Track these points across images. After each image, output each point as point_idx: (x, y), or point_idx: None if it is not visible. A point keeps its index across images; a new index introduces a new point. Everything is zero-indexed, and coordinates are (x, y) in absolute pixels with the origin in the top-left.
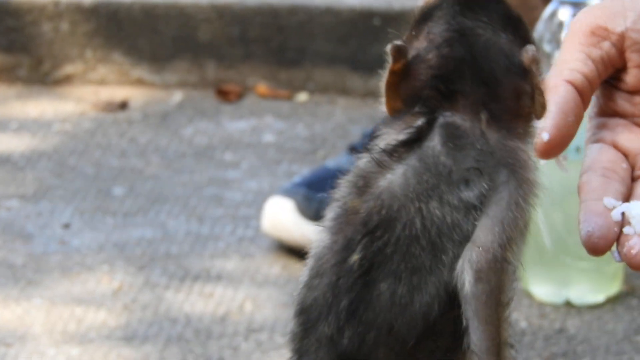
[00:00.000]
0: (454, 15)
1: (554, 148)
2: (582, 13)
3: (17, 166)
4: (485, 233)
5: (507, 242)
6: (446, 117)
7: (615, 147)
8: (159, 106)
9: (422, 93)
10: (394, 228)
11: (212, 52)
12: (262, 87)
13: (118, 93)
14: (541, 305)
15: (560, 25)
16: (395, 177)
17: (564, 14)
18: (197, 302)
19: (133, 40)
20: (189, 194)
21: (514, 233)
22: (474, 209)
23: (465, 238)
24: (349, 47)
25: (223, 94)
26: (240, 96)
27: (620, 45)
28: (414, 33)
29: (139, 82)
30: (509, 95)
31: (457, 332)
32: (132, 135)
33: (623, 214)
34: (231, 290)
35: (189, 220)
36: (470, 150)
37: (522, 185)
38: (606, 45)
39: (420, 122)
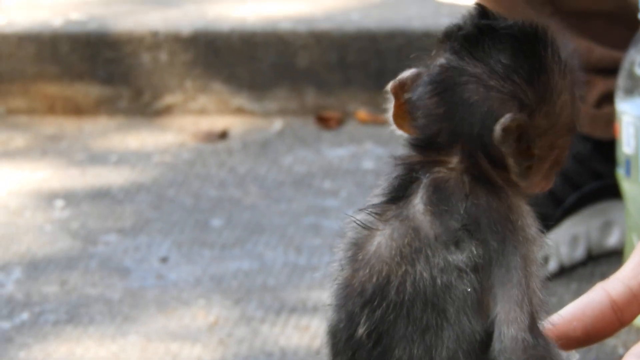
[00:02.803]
0: (452, 53)
1: (560, 336)
2: None
3: (116, 200)
4: (506, 321)
5: (531, 318)
6: (431, 176)
7: None
8: (259, 134)
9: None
10: (388, 294)
11: (311, 79)
12: (362, 112)
13: (218, 122)
14: (639, 330)
15: None
16: (382, 239)
17: None
18: (293, 335)
19: (232, 68)
20: (287, 224)
21: (532, 303)
22: (465, 273)
23: (465, 298)
24: None
25: (323, 121)
26: (340, 123)
27: None
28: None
29: (239, 111)
30: (492, 158)
31: None
32: (232, 164)
33: None
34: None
35: (287, 251)
36: (455, 213)
37: (519, 248)
38: None
39: (405, 178)
